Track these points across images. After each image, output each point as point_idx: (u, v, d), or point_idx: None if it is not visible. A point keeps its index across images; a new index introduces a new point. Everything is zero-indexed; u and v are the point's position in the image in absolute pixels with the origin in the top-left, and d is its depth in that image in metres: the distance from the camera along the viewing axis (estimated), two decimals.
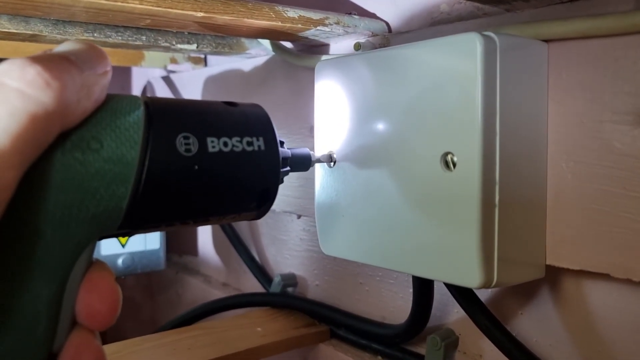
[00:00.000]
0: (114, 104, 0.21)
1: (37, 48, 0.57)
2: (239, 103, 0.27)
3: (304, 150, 0.35)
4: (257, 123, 0.26)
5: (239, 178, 0.25)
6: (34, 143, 0.18)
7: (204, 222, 0.25)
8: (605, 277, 0.33)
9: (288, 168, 0.32)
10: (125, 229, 0.22)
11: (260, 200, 0.27)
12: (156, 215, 0.23)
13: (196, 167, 0.23)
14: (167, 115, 0.23)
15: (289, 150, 0.32)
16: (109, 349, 0.49)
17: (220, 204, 0.25)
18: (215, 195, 0.24)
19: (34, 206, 0.19)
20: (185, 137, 0.23)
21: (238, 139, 0.25)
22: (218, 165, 0.24)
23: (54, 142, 0.19)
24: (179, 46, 0.52)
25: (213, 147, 0.24)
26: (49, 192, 0.19)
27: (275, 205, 0.65)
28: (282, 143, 0.29)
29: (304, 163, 0.34)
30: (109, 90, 0.22)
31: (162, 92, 0.82)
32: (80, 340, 0.21)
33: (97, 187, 0.20)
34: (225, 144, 0.24)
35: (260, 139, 0.26)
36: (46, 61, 0.19)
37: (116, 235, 0.23)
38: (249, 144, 0.25)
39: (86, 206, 0.20)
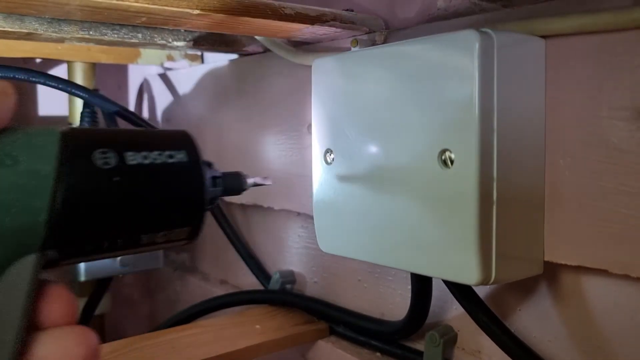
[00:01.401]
0: (29, 129, 0.22)
1: (32, 46, 0.57)
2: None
3: (237, 172, 0.32)
4: (177, 138, 0.26)
5: (162, 189, 0.25)
6: None
7: (134, 244, 0.25)
8: (603, 272, 0.33)
9: (221, 188, 0.30)
10: (51, 249, 0.22)
11: (188, 214, 0.26)
12: (80, 232, 0.22)
13: (115, 179, 0.23)
14: (83, 134, 0.23)
15: (219, 171, 0.31)
16: (107, 347, 0.49)
17: (147, 218, 0.24)
18: (139, 208, 0.24)
19: None
20: (103, 152, 0.23)
21: (159, 152, 0.25)
22: (139, 176, 0.24)
23: None
24: (175, 43, 0.52)
25: (132, 159, 0.24)
26: None
27: (274, 203, 0.66)
28: (210, 164, 0.28)
29: (236, 184, 0.31)
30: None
31: (159, 89, 0.81)
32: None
33: (13, 200, 0.20)
34: (145, 157, 0.24)
35: (182, 151, 0.26)
36: None
37: (45, 267, 0.22)
38: (170, 156, 0.25)
39: (1, 220, 0.20)
